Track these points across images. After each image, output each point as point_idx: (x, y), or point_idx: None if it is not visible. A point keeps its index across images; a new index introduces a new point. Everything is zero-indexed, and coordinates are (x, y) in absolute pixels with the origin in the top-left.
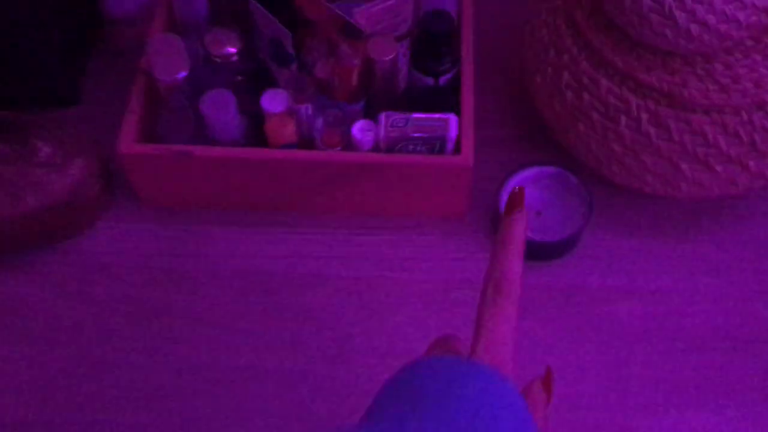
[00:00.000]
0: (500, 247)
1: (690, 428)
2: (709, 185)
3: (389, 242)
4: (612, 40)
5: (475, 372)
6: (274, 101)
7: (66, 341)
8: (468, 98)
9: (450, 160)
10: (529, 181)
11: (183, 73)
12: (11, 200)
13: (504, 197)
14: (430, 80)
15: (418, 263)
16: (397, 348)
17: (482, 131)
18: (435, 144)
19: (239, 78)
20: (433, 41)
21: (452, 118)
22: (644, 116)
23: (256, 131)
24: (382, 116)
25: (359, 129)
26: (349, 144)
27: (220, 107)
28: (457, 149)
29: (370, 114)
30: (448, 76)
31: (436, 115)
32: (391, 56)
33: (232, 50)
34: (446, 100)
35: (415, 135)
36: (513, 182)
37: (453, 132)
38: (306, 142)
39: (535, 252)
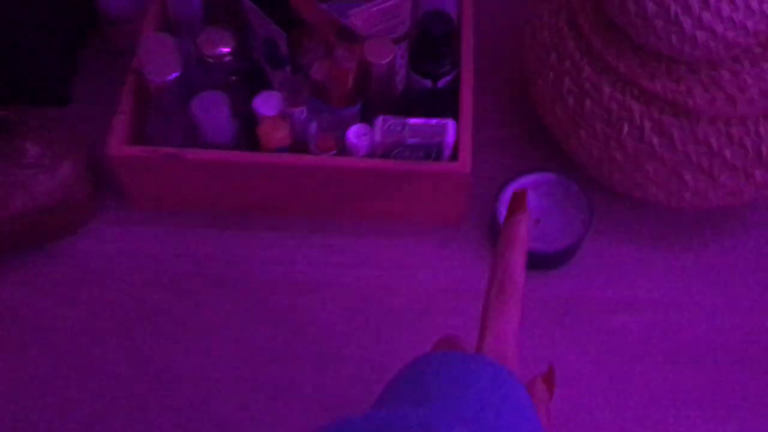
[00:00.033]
0: (504, 247)
1: None
2: (713, 195)
3: (384, 249)
4: (615, 45)
5: (483, 367)
6: (267, 104)
7: (54, 344)
8: (467, 102)
9: (447, 166)
10: (528, 188)
11: (174, 74)
12: None
13: (502, 206)
14: (428, 83)
15: (413, 271)
16: (391, 358)
17: (481, 133)
18: (432, 150)
19: (233, 78)
20: (431, 43)
21: (450, 123)
22: (647, 124)
23: (249, 133)
24: (378, 121)
25: (354, 134)
26: (344, 148)
27: (212, 109)
28: (455, 155)
29: (367, 117)
30: (447, 78)
31: (434, 121)
32: (387, 59)
33: (226, 50)
34: (445, 103)
35: (412, 141)
36: (511, 189)
37: (450, 138)
38: (299, 145)
39: (534, 261)
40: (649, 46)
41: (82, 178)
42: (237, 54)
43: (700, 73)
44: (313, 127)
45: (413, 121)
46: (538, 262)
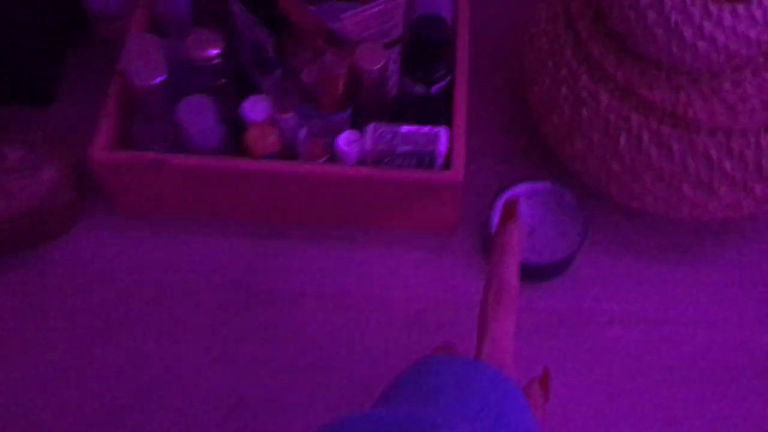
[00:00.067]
0: (497, 256)
1: None
2: (712, 208)
3: (374, 258)
4: (614, 53)
5: (483, 372)
6: (255, 109)
7: (34, 351)
8: (461, 110)
9: (439, 175)
10: (522, 197)
11: (160, 78)
12: None
13: (496, 214)
14: (421, 89)
15: (404, 281)
16: (382, 369)
17: (475, 140)
18: (424, 158)
19: (222, 81)
20: (425, 48)
21: (442, 131)
22: (646, 135)
23: (236, 138)
24: (369, 128)
25: (344, 141)
26: (334, 155)
27: (197, 115)
28: (448, 163)
29: (358, 123)
30: (441, 84)
31: (426, 129)
32: (379, 65)
33: (214, 52)
34: (438, 109)
35: (403, 149)
36: (505, 198)
37: (443, 147)
38: (288, 152)
39: (527, 273)
40: (648, 55)
41: (65, 182)
42: (226, 56)
43: (700, 83)
44: (303, 133)
45: (405, 128)
46: (531, 273)
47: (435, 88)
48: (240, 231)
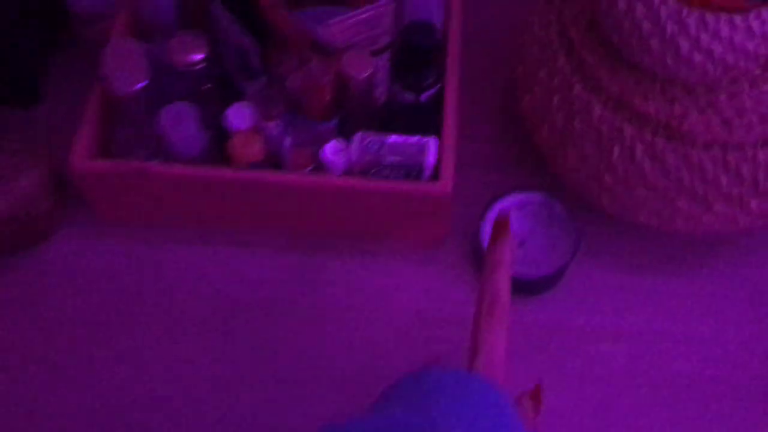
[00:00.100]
0: (490, 271)
1: None
2: (706, 221)
3: (361, 269)
4: (608, 62)
5: (477, 383)
6: (239, 117)
7: (11, 361)
8: (450, 120)
9: (427, 187)
10: (513, 208)
11: (140, 84)
12: None
13: (486, 225)
14: (411, 96)
15: (391, 293)
16: (366, 384)
17: (466, 148)
18: (413, 169)
19: (207, 86)
20: (415, 56)
21: (431, 142)
22: (639, 148)
23: (221, 144)
24: (356, 138)
25: (331, 150)
26: (320, 165)
27: (179, 123)
28: (436, 174)
29: (346, 131)
30: (431, 92)
31: (414, 139)
32: (366, 74)
33: (198, 57)
34: (428, 117)
35: (391, 160)
36: (496, 208)
37: (431, 158)
38: (273, 160)
39: (518, 287)
40: (643, 66)
41: (45, 189)
42: (211, 60)
43: (696, 94)
44: (288, 141)
45: (392, 139)
46: (522, 287)
47: (425, 96)
48: (224, 240)
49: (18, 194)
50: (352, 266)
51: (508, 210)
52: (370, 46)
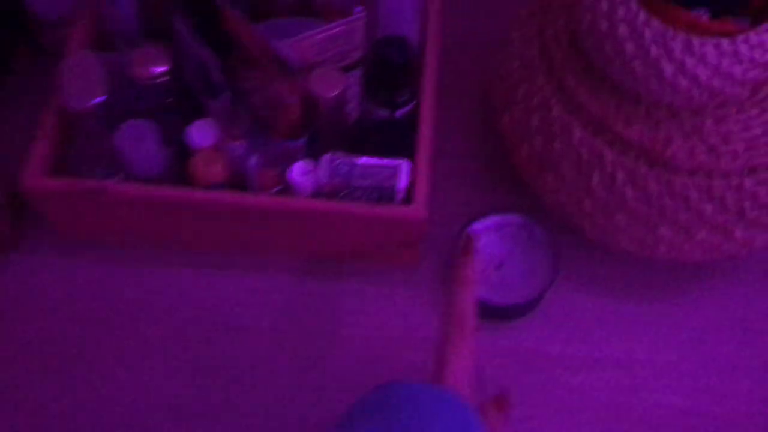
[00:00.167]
0: (455, 288)
1: None
2: (689, 250)
3: (330, 292)
4: (589, 82)
5: (442, 397)
6: (201, 134)
7: None
8: (426, 142)
9: (399, 210)
10: (491, 230)
11: (98, 99)
12: None
13: None
14: (385, 112)
15: (362, 317)
16: (335, 410)
17: (443, 166)
18: (383, 192)
19: (169, 99)
20: (387, 72)
21: (403, 165)
22: (620, 174)
23: (183, 162)
24: (325, 159)
25: (298, 171)
26: (287, 185)
27: (138, 142)
28: (409, 197)
29: (315, 149)
30: (406, 108)
31: (386, 162)
32: (335, 92)
33: (160, 70)
34: (403, 134)
35: (361, 183)
36: (473, 231)
37: (403, 182)
38: (238, 180)
39: (493, 313)
40: (626, 88)
41: (0, 206)
42: (173, 74)
43: (681, 119)
44: (253, 161)
45: (363, 160)
46: (497, 313)
47: (400, 112)
48: (187, 261)
49: None
50: (322, 289)
51: (485, 233)
52: (341, 61)
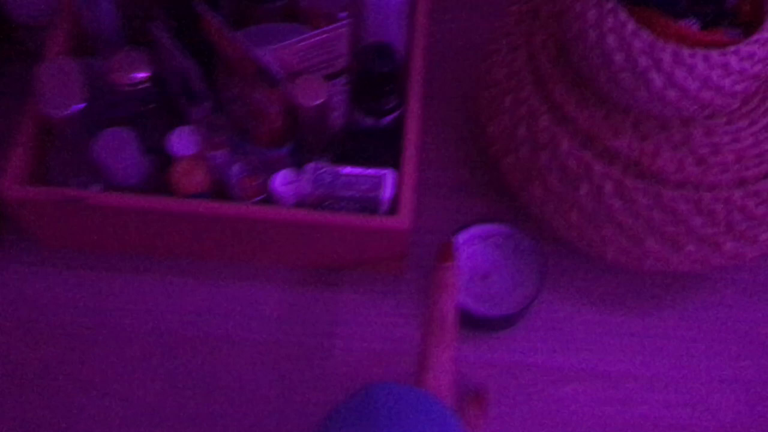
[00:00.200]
0: (435, 293)
1: None
2: (677, 262)
3: (313, 302)
4: (577, 93)
5: (423, 399)
6: (182, 142)
7: None
8: (411, 151)
9: (384, 221)
10: (477, 240)
11: (76, 107)
12: None
13: None
14: (370, 120)
15: (346, 329)
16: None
17: (429, 174)
18: (368, 203)
19: (151, 106)
20: (372, 80)
21: (388, 175)
22: (608, 186)
23: (164, 170)
24: (309, 168)
25: (281, 181)
26: (270, 195)
27: (117, 151)
28: (394, 208)
29: (299, 157)
30: (393, 116)
31: (370, 171)
32: (318, 102)
33: (141, 76)
34: (390, 141)
35: (344, 193)
36: (458, 241)
37: (387, 193)
38: (220, 189)
39: (479, 324)
40: (614, 99)
41: None
42: (155, 79)
43: (670, 130)
44: (235, 170)
45: (347, 170)
46: (483, 324)
47: (386, 120)
48: (168, 270)
49: None
50: (305, 298)
51: (471, 242)
52: (326, 69)
